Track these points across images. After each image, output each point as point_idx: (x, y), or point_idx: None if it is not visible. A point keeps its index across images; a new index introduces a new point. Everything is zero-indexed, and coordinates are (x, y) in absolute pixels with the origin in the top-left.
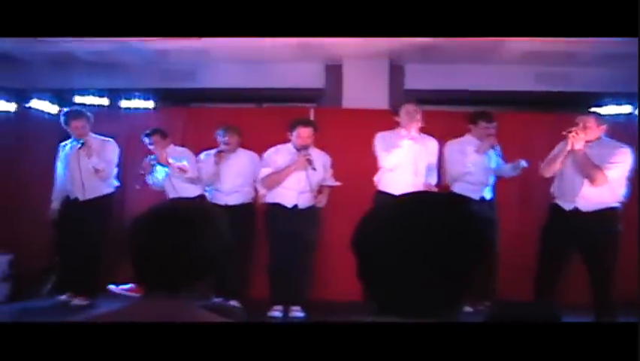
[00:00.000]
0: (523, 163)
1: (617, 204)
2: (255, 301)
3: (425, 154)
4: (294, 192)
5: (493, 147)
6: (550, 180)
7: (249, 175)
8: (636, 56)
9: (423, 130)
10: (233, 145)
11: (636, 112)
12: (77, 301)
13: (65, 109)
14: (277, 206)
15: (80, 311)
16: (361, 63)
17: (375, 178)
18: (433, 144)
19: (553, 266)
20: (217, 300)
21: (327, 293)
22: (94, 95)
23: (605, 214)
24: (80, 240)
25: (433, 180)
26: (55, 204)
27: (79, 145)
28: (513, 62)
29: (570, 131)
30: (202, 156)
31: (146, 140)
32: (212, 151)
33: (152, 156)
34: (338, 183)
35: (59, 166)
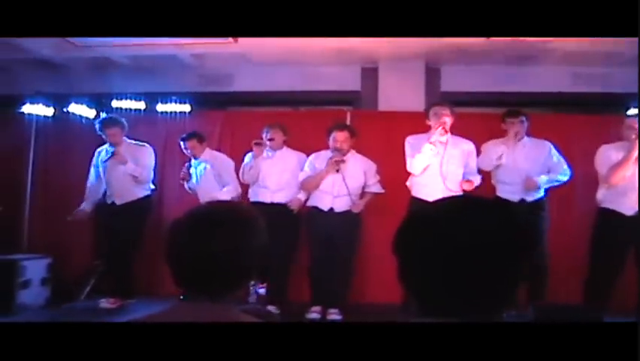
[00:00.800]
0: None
1: None
2: (293, 304)
3: (457, 157)
4: (329, 195)
5: (520, 139)
6: (588, 183)
7: (296, 174)
8: None
9: (459, 132)
10: (277, 142)
11: None
12: (106, 304)
13: (102, 114)
14: (314, 209)
15: (110, 314)
16: (397, 65)
17: (408, 183)
18: (468, 147)
19: (610, 271)
20: (253, 304)
21: (364, 296)
22: (131, 99)
23: None
24: (115, 243)
25: (476, 180)
26: (86, 206)
27: (110, 152)
28: (550, 63)
29: (635, 136)
30: (247, 158)
31: (182, 144)
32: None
33: (189, 163)
34: (382, 191)
35: (94, 170)
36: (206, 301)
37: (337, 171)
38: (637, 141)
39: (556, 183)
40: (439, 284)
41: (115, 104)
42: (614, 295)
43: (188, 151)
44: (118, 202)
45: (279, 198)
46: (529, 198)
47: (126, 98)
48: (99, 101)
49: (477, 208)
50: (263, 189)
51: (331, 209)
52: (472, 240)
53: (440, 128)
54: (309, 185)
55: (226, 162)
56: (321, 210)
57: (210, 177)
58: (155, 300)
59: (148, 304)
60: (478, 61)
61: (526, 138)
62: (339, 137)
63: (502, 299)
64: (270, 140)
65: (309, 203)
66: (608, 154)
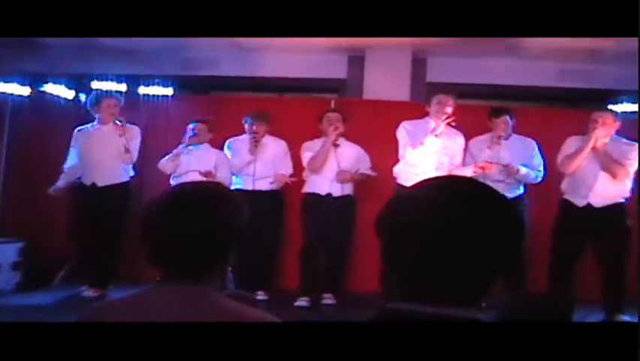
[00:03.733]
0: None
1: (624, 200)
2: (284, 292)
3: (451, 150)
4: (327, 179)
5: (505, 138)
6: (560, 176)
7: (279, 162)
8: None
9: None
10: (262, 132)
11: None
12: (89, 293)
13: (82, 95)
14: (311, 196)
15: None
16: (384, 55)
17: (395, 169)
18: (460, 140)
19: (566, 262)
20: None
21: (356, 283)
22: (112, 81)
23: (616, 210)
24: (97, 227)
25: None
26: (61, 183)
27: (116, 122)
28: (535, 57)
29: (595, 128)
30: (228, 143)
31: (192, 125)
32: (242, 137)
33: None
34: (374, 174)
35: (74, 151)
36: (181, 283)
37: (336, 142)
38: (593, 133)
39: (528, 181)
40: (421, 268)
41: (95, 85)
42: (580, 286)
43: (194, 132)
44: (100, 184)
45: (262, 185)
46: (510, 195)
47: (107, 80)
48: (79, 82)
49: (462, 190)
50: (246, 176)
51: (329, 194)
52: (457, 222)
53: (446, 120)
54: (317, 163)
55: (222, 155)
56: (319, 196)
57: (206, 166)
58: (137, 287)
59: (130, 291)
60: (465, 53)
61: (513, 136)
62: (332, 116)
63: (482, 287)
64: (254, 132)
65: (305, 190)
66: (570, 145)
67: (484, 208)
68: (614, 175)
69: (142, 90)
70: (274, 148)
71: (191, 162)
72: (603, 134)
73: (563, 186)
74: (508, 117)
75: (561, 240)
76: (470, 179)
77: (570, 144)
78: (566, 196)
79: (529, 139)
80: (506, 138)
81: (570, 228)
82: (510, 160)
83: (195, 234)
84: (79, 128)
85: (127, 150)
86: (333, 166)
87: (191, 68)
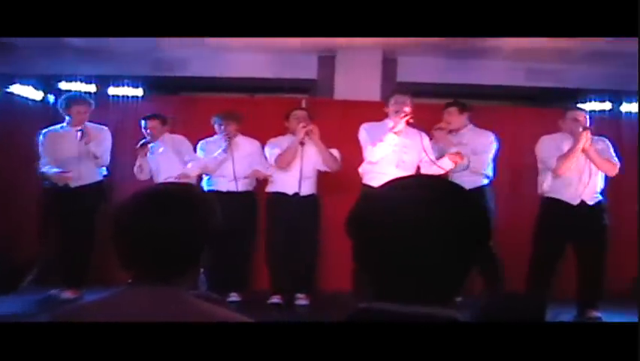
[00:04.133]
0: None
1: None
2: (257, 293)
3: (413, 148)
4: (294, 178)
5: (457, 130)
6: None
7: (251, 162)
8: (621, 55)
9: (414, 123)
10: (232, 132)
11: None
12: (67, 295)
13: (51, 96)
14: (277, 195)
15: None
16: (354, 55)
17: (360, 170)
18: (422, 136)
19: (552, 259)
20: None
21: (328, 282)
22: (81, 81)
23: (601, 207)
24: (72, 228)
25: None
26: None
27: (79, 132)
28: (504, 57)
29: (586, 129)
30: (200, 144)
31: (143, 123)
32: (214, 138)
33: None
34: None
35: (46, 152)
36: (151, 284)
37: (304, 141)
38: (584, 133)
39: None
40: (393, 267)
41: (64, 86)
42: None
43: (148, 132)
44: (72, 185)
45: (235, 186)
46: (472, 186)
47: (76, 81)
48: (47, 83)
49: (431, 188)
50: (220, 178)
51: (296, 193)
52: (426, 220)
53: (404, 117)
54: (285, 160)
55: (186, 142)
56: (286, 195)
57: (170, 160)
58: (109, 289)
59: (102, 293)
60: (435, 53)
61: (467, 127)
62: (299, 113)
63: (455, 283)
64: (224, 132)
65: (270, 189)
66: (555, 145)
67: (451, 204)
68: (606, 172)
69: (111, 91)
70: (248, 148)
71: (157, 162)
72: (590, 134)
73: (547, 186)
74: (456, 109)
75: (549, 238)
76: (436, 177)
77: (553, 144)
78: (554, 195)
79: (488, 132)
80: (457, 130)
81: (559, 226)
82: (464, 151)
83: (167, 235)
84: (46, 130)
85: (95, 157)
86: (302, 164)
87: (162, 68)
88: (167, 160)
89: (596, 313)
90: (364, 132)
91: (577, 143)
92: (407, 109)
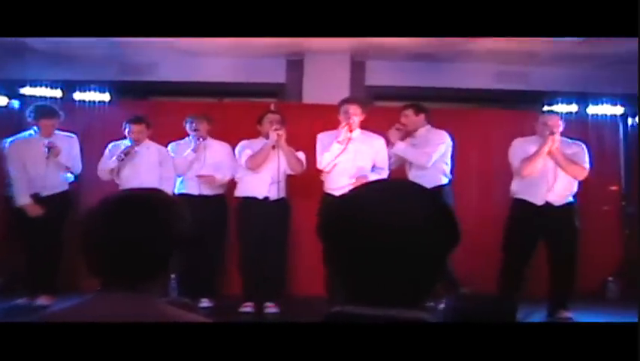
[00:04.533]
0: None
1: (573, 199)
2: (229, 298)
3: (368, 154)
4: (264, 183)
5: (414, 130)
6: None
7: (223, 165)
8: (590, 57)
9: (382, 126)
10: (202, 133)
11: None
12: (41, 302)
13: (14, 101)
14: (248, 199)
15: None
16: (323, 58)
17: (322, 177)
18: (378, 143)
19: (520, 259)
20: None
21: (300, 289)
22: (46, 86)
23: (570, 208)
24: (41, 237)
25: (382, 175)
26: (26, 199)
27: (46, 146)
28: (474, 60)
29: (553, 132)
30: (170, 146)
31: (128, 127)
32: (184, 140)
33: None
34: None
35: (14, 161)
36: (121, 291)
37: (276, 143)
38: (550, 137)
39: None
40: (364, 270)
41: (28, 91)
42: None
43: (132, 135)
44: (43, 194)
45: (207, 190)
46: (427, 185)
47: (41, 86)
48: (10, 88)
49: (403, 192)
50: (190, 181)
51: (266, 198)
52: (398, 225)
53: (347, 127)
54: (256, 162)
55: (168, 153)
56: (256, 199)
57: (149, 167)
58: (78, 296)
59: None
60: (404, 56)
61: (424, 128)
62: (272, 117)
63: (427, 285)
64: (195, 130)
65: (240, 193)
66: (522, 148)
67: (419, 207)
68: (574, 176)
69: (78, 96)
70: (219, 150)
71: (136, 167)
72: (558, 138)
73: (515, 187)
74: (412, 111)
75: (518, 239)
76: (402, 180)
77: (521, 147)
78: (521, 196)
79: (442, 131)
80: (414, 132)
81: (527, 227)
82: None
83: (135, 241)
84: (13, 138)
85: (67, 168)
86: (272, 167)
87: (129, 72)
88: (148, 168)
89: (567, 314)
90: (318, 142)
91: (542, 146)
92: (356, 118)
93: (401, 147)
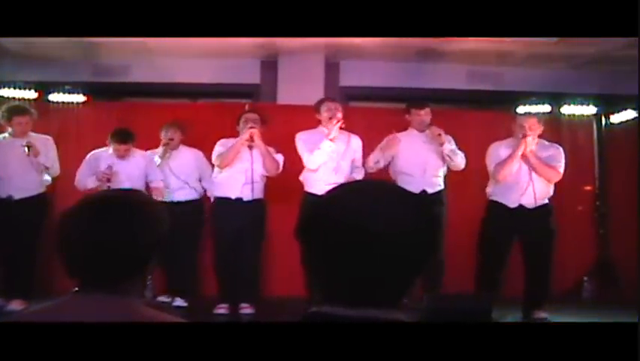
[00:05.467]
0: None
1: (548, 201)
2: (205, 299)
3: (348, 152)
4: (238, 182)
5: (422, 131)
6: (481, 176)
7: (194, 172)
8: (565, 57)
9: (356, 126)
10: (176, 142)
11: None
12: (13, 306)
13: None
14: (222, 199)
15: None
16: (297, 59)
17: (301, 177)
18: (356, 142)
19: (495, 260)
20: (161, 298)
21: (276, 289)
22: (20, 88)
23: (545, 210)
24: (15, 241)
25: (359, 177)
26: None
27: (24, 145)
28: (446, 60)
29: (526, 135)
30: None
31: (118, 146)
32: (159, 150)
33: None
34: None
35: None
36: (98, 292)
37: (251, 141)
38: (524, 140)
39: (452, 164)
40: (340, 272)
41: (1, 92)
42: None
43: (119, 153)
44: (16, 196)
45: (179, 196)
46: (430, 190)
47: (15, 87)
48: None
49: (380, 193)
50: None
51: (240, 198)
52: (374, 226)
53: (338, 124)
54: (225, 160)
55: (153, 160)
56: (229, 200)
57: (133, 180)
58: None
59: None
60: (377, 57)
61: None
62: (250, 116)
63: (402, 287)
64: (170, 140)
65: (215, 194)
66: (497, 152)
67: (398, 208)
68: (548, 179)
69: (52, 97)
70: (186, 156)
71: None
72: (532, 141)
73: (490, 189)
74: (428, 109)
75: (491, 241)
76: (381, 181)
77: (496, 152)
78: (496, 198)
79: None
80: (423, 131)
81: (501, 228)
82: (426, 154)
83: (112, 242)
84: None
85: (46, 168)
86: (246, 168)
87: (103, 74)
88: (131, 183)
89: (543, 314)
90: (300, 142)
91: (516, 149)
92: (339, 115)
93: (450, 147)
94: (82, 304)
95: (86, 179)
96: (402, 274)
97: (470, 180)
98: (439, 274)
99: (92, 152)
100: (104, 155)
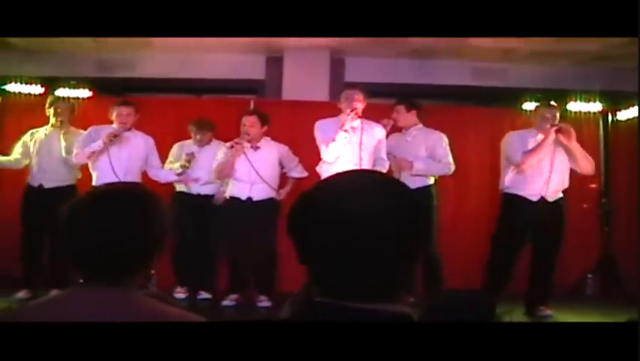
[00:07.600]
0: None
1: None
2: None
3: (369, 143)
4: (246, 184)
5: (407, 129)
6: (485, 171)
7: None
8: (567, 54)
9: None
10: (207, 138)
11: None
12: (22, 295)
13: None
14: (232, 199)
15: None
16: (302, 55)
17: (318, 169)
18: (379, 131)
19: (511, 257)
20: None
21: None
22: (26, 83)
23: (562, 204)
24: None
25: (383, 170)
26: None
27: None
28: (451, 57)
29: (554, 125)
30: (175, 147)
31: (117, 110)
32: (187, 142)
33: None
34: (304, 174)
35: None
36: (103, 285)
37: (256, 145)
38: (552, 130)
39: (432, 173)
40: (335, 264)
41: (8, 87)
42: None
43: (121, 119)
44: (47, 185)
45: (206, 190)
46: (413, 186)
47: (22, 82)
48: None
49: (372, 184)
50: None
51: (249, 198)
52: (369, 217)
53: (352, 113)
54: (221, 172)
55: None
56: (239, 200)
57: (133, 156)
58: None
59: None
60: (383, 53)
61: (417, 127)
62: (246, 121)
63: (396, 280)
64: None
65: (228, 194)
66: (521, 140)
67: (391, 201)
68: (586, 169)
69: (58, 92)
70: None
71: (120, 152)
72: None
73: (508, 182)
74: (403, 107)
75: (511, 236)
76: (372, 172)
77: (520, 139)
78: (514, 191)
79: (437, 131)
80: (406, 129)
81: (522, 223)
82: (411, 150)
83: (117, 235)
84: (34, 130)
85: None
86: (249, 170)
87: (108, 69)
88: (130, 157)
89: (548, 311)
90: (318, 130)
91: (545, 139)
92: (358, 104)
93: (421, 167)
94: (85, 296)
95: (88, 144)
96: (389, 266)
97: (472, 176)
98: (437, 268)
99: (93, 126)
100: (106, 127)
